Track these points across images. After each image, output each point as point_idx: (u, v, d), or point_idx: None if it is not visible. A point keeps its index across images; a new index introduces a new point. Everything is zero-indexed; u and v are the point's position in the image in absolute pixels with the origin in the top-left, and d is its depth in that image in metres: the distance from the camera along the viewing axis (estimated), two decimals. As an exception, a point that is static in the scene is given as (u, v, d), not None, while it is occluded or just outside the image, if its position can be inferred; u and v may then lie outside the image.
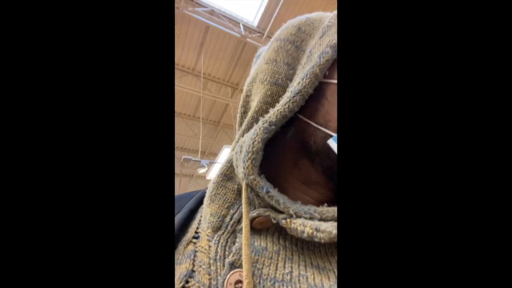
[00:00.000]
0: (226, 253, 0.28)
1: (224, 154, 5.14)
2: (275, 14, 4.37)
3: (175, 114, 5.96)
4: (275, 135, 0.31)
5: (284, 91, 0.31)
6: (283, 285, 0.25)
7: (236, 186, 0.32)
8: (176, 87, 5.02)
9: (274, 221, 0.28)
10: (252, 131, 0.29)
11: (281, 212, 0.28)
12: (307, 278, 0.26)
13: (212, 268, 0.27)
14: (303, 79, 0.29)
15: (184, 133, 6.19)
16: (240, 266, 0.26)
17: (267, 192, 0.27)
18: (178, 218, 0.33)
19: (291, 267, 0.26)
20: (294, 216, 0.27)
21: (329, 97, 0.30)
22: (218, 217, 0.30)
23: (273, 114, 0.29)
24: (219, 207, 0.31)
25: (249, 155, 0.28)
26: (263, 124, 0.28)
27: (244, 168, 0.28)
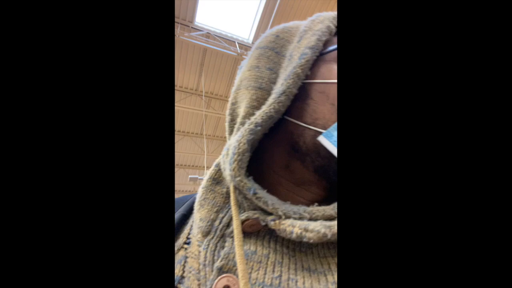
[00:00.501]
0: (215, 258, 0.28)
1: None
2: (268, 30, 4.57)
3: (183, 133, 6.20)
4: (266, 139, 0.32)
5: (269, 94, 0.31)
6: None
7: (225, 190, 0.33)
8: (181, 108, 5.26)
9: (263, 223, 0.28)
10: (238, 133, 0.29)
11: (271, 214, 0.28)
12: (296, 281, 0.26)
13: (201, 273, 0.27)
14: (286, 80, 0.30)
15: (193, 150, 6.40)
16: (229, 271, 0.26)
17: (255, 193, 0.28)
18: None
19: (281, 271, 0.26)
20: (283, 216, 0.27)
21: (314, 96, 0.31)
22: (208, 222, 0.31)
23: (258, 115, 0.29)
24: (208, 211, 0.32)
25: (235, 156, 0.28)
26: (248, 125, 0.29)
27: (230, 170, 0.29)
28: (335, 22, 0.35)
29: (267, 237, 0.29)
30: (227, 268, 0.27)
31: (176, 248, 0.31)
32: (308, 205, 0.29)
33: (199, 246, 0.30)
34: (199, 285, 0.27)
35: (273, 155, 0.33)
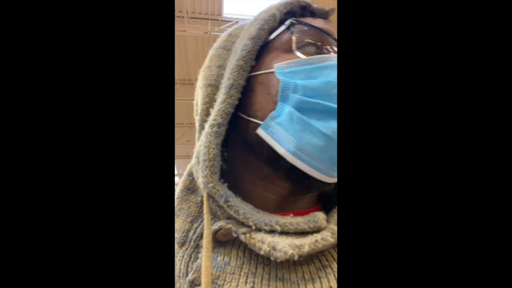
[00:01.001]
0: (189, 269, 0.29)
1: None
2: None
3: (189, 125, 6.35)
4: (229, 139, 0.33)
5: (218, 89, 0.33)
6: None
7: (199, 199, 0.34)
8: (187, 100, 5.33)
9: (235, 235, 0.28)
10: (203, 138, 0.30)
11: (243, 224, 0.28)
12: None
13: (177, 285, 0.28)
14: (231, 73, 0.31)
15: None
16: (200, 284, 0.26)
17: (226, 201, 0.28)
18: None
19: (253, 282, 0.26)
20: (254, 227, 0.27)
21: (255, 88, 0.32)
22: (182, 232, 0.31)
23: (216, 115, 0.30)
24: (183, 221, 0.32)
25: (206, 163, 0.29)
26: (211, 128, 0.29)
27: (203, 177, 0.29)
28: (283, 9, 0.34)
29: (242, 247, 0.29)
30: (199, 281, 0.27)
31: None
32: (282, 200, 0.31)
33: (176, 257, 0.31)
34: None
35: (235, 152, 0.35)
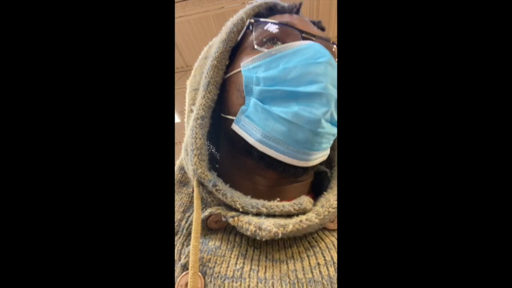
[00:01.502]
0: (181, 256, 0.30)
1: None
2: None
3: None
4: (219, 143, 0.38)
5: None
6: (232, 281, 0.26)
7: (191, 190, 0.36)
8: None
9: (224, 219, 0.29)
10: (189, 132, 0.33)
11: (232, 209, 0.30)
12: (257, 272, 0.27)
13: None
14: (207, 72, 0.34)
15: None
16: None
17: (215, 185, 0.30)
18: None
19: (243, 263, 0.28)
20: (241, 209, 0.29)
21: (228, 87, 0.35)
22: (176, 223, 0.33)
23: (198, 109, 0.33)
24: (175, 212, 0.34)
25: (194, 151, 0.31)
26: (195, 121, 0.32)
27: (192, 164, 0.31)
28: (250, 12, 0.38)
29: (233, 232, 0.31)
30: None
31: None
32: (270, 191, 0.33)
33: None
34: None
35: (224, 152, 0.38)
